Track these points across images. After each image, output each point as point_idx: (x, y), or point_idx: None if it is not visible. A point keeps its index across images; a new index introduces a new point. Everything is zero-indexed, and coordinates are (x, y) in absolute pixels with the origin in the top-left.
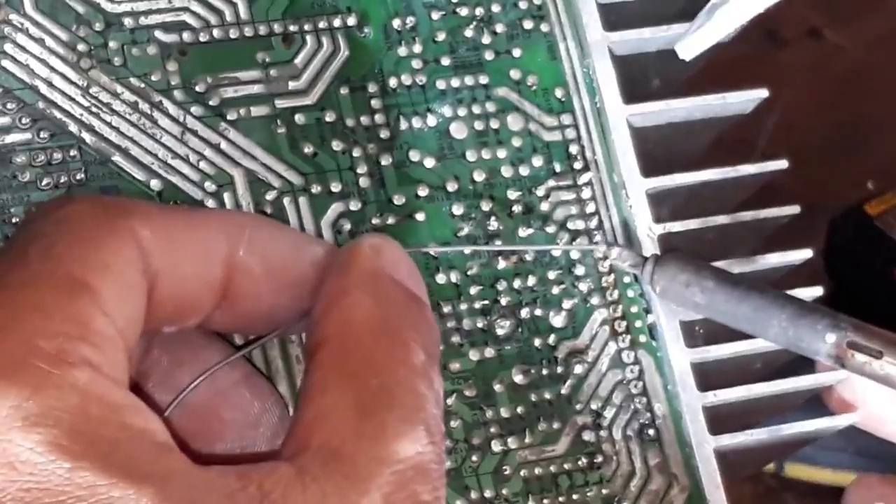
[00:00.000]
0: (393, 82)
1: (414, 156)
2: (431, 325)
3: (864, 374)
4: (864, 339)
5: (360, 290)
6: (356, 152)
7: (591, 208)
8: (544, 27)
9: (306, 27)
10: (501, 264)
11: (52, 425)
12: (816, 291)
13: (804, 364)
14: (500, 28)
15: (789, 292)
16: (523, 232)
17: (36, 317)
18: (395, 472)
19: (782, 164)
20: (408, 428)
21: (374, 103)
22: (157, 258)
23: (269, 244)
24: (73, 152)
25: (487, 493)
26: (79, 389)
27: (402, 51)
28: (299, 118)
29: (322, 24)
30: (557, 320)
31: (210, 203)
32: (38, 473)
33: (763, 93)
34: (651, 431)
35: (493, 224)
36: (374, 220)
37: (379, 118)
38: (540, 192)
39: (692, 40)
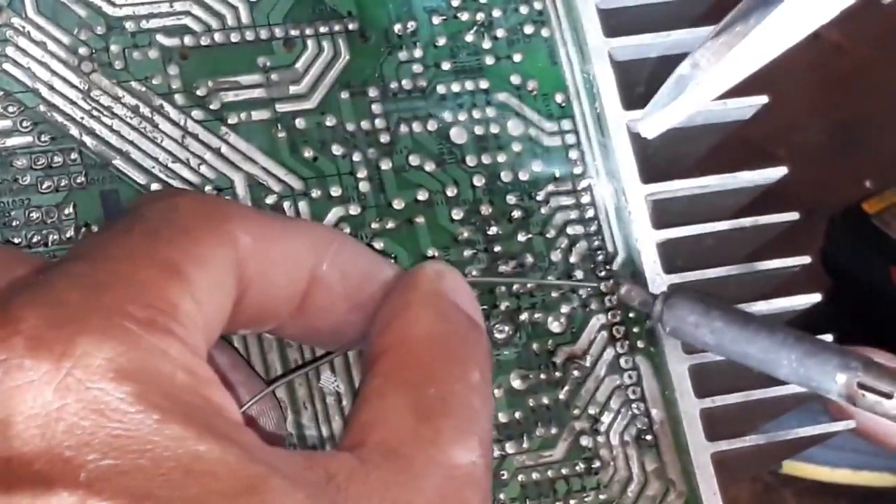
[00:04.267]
0: (393, 87)
1: (414, 160)
2: (488, 350)
3: (876, 412)
4: (874, 380)
5: (422, 306)
6: (356, 157)
7: (590, 213)
8: (545, 32)
9: (307, 31)
10: (500, 269)
11: (143, 381)
12: (815, 298)
13: None
14: (500, 33)
15: (788, 298)
16: (522, 237)
17: (131, 286)
18: (449, 476)
19: (781, 170)
20: (463, 437)
21: (375, 108)
22: (251, 267)
23: (350, 261)
24: (73, 156)
25: None
26: (168, 356)
27: (403, 55)
28: (300, 122)
29: (323, 29)
30: (556, 325)
31: None
32: (126, 422)
33: (763, 99)
34: (648, 437)
35: (493, 229)
36: (374, 225)
37: (379, 123)
38: (539, 197)
39: (656, 119)
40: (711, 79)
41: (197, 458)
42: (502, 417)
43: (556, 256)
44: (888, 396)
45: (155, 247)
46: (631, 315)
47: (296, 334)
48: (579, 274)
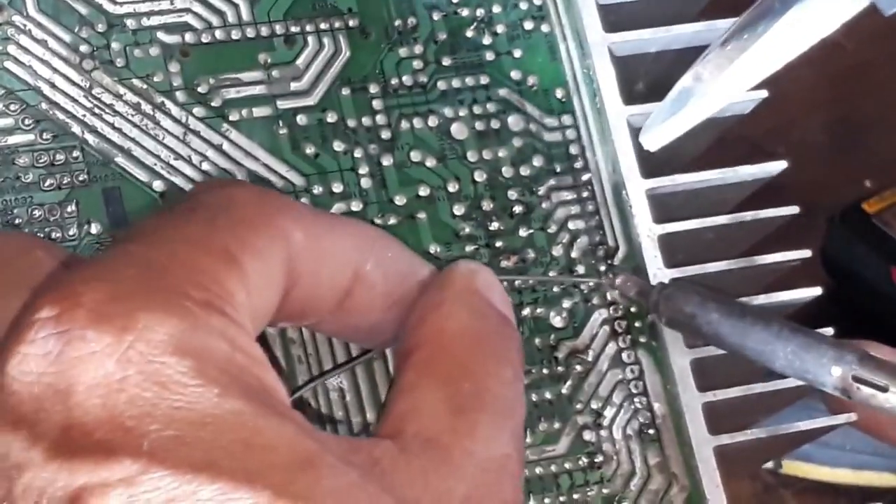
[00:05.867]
0: (394, 83)
1: (415, 156)
2: (520, 348)
3: (871, 406)
4: (869, 373)
5: (456, 303)
6: (358, 153)
7: (591, 208)
8: (545, 28)
9: (308, 28)
10: (502, 264)
11: (203, 357)
12: (815, 292)
13: None
14: (500, 29)
15: (788, 292)
16: (524, 232)
17: (189, 268)
18: (484, 468)
19: (781, 164)
20: (497, 431)
21: (376, 104)
22: (301, 263)
23: (392, 261)
24: (75, 153)
25: None
26: (226, 337)
27: (404, 52)
28: (301, 119)
29: (323, 25)
30: (558, 320)
31: None
32: (188, 395)
33: (763, 93)
34: (651, 431)
35: (494, 224)
36: (376, 221)
37: (380, 119)
38: (540, 192)
39: (659, 131)
40: (714, 91)
41: (256, 432)
42: None
43: (557, 251)
44: (883, 390)
45: (212, 234)
46: (633, 310)
47: (333, 330)
48: (581, 269)
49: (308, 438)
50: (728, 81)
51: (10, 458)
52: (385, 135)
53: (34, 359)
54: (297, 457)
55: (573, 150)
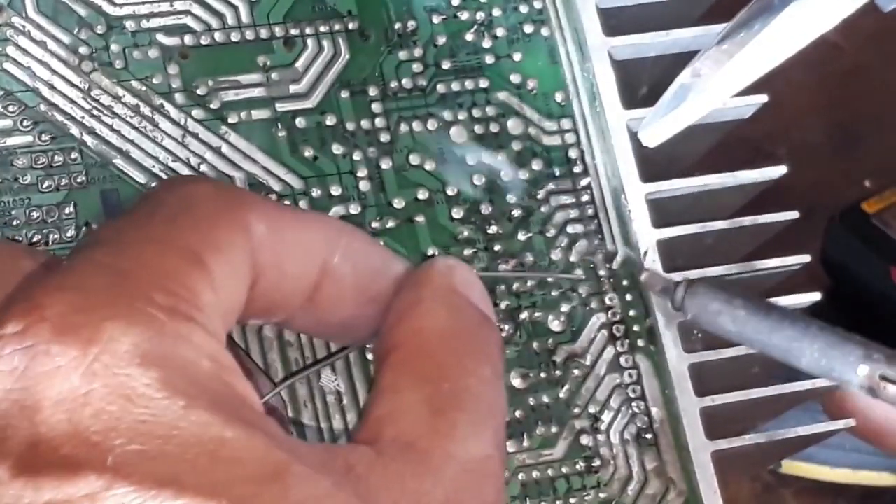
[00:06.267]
0: (393, 86)
1: (414, 159)
2: (500, 345)
3: None
4: None
5: (434, 301)
6: (356, 156)
7: (590, 212)
8: (545, 31)
9: (307, 31)
10: (500, 268)
11: (169, 367)
12: (814, 297)
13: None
14: (500, 32)
15: (788, 297)
16: (522, 236)
17: (153, 273)
18: (465, 469)
19: (781, 169)
20: (478, 431)
21: (375, 107)
22: (265, 255)
23: (361, 255)
24: (74, 155)
25: None
26: (192, 344)
27: (403, 55)
28: (300, 121)
29: (323, 28)
30: (556, 324)
31: None
32: (153, 407)
33: (762, 98)
34: (648, 435)
35: (493, 228)
36: (374, 224)
37: (379, 122)
38: (539, 196)
39: (657, 127)
40: (713, 87)
41: (222, 443)
42: None
43: (556, 255)
44: None
45: (175, 234)
46: (631, 313)
47: (305, 327)
48: (579, 273)
49: (277, 448)
50: (726, 77)
51: None
52: (384, 138)
53: (0, 376)
54: (265, 468)
55: (572, 153)
